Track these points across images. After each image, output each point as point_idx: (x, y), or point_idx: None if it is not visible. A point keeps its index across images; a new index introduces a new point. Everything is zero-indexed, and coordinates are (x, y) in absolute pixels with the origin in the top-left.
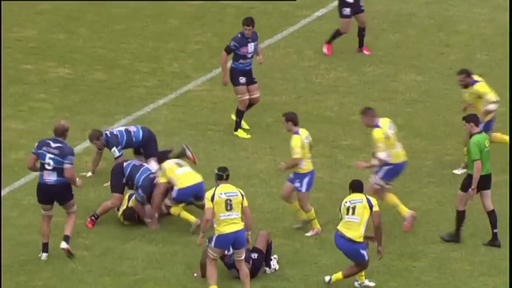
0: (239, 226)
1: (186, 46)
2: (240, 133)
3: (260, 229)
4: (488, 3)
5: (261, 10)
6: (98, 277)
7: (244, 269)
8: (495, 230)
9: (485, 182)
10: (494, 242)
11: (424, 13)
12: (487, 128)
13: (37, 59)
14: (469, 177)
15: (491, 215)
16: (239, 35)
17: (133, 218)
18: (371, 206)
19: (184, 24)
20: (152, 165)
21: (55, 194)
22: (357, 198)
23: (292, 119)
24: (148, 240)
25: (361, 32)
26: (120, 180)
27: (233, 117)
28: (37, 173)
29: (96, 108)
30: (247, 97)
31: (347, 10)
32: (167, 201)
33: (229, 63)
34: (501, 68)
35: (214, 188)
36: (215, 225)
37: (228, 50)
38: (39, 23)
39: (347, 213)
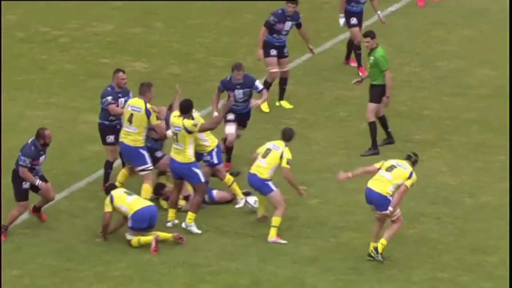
0: (378, 186)
1: None
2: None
3: (332, 222)
4: None
5: (334, 5)
6: (172, 268)
7: (393, 225)
8: (388, 130)
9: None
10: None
11: (498, 8)
12: None
13: (115, 53)
14: (376, 88)
15: (382, 119)
16: (279, 11)
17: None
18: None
19: (258, 19)
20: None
21: None
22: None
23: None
24: (221, 232)
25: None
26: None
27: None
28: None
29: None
30: (276, 69)
31: (354, 20)
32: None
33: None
34: None
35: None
36: None
37: (268, 25)
38: (116, 18)
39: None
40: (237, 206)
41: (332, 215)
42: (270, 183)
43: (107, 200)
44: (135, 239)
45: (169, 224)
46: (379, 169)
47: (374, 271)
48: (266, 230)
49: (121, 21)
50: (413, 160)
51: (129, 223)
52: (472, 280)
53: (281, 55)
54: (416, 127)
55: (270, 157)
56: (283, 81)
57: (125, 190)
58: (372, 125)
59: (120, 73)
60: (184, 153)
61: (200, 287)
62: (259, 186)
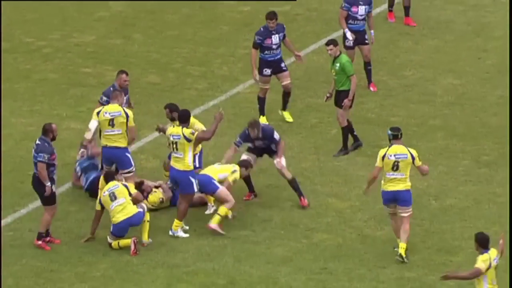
0: (401, 186)
1: (235, 51)
2: (262, 119)
3: (305, 224)
4: None
5: (306, 17)
6: (151, 269)
7: (405, 225)
8: (354, 133)
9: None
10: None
11: (462, 20)
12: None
13: (95, 63)
14: (343, 93)
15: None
16: (261, 29)
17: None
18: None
19: (234, 30)
20: None
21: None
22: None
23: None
24: (199, 233)
25: (367, 67)
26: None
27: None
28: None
29: (150, 110)
30: (267, 87)
31: (349, 41)
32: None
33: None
34: None
35: (387, 148)
36: None
37: (255, 46)
38: (97, 29)
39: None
40: (207, 212)
41: (304, 217)
42: (216, 182)
43: (97, 200)
44: (115, 242)
45: (184, 228)
46: (382, 167)
47: (344, 271)
48: (242, 232)
49: (102, 33)
50: (399, 136)
51: (111, 229)
52: (437, 279)
53: (279, 70)
54: (384, 133)
55: (224, 166)
56: (286, 95)
57: (111, 189)
58: (345, 130)
59: (124, 75)
60: (183, 161)
61: (178, 287)
62: (205, 184)
